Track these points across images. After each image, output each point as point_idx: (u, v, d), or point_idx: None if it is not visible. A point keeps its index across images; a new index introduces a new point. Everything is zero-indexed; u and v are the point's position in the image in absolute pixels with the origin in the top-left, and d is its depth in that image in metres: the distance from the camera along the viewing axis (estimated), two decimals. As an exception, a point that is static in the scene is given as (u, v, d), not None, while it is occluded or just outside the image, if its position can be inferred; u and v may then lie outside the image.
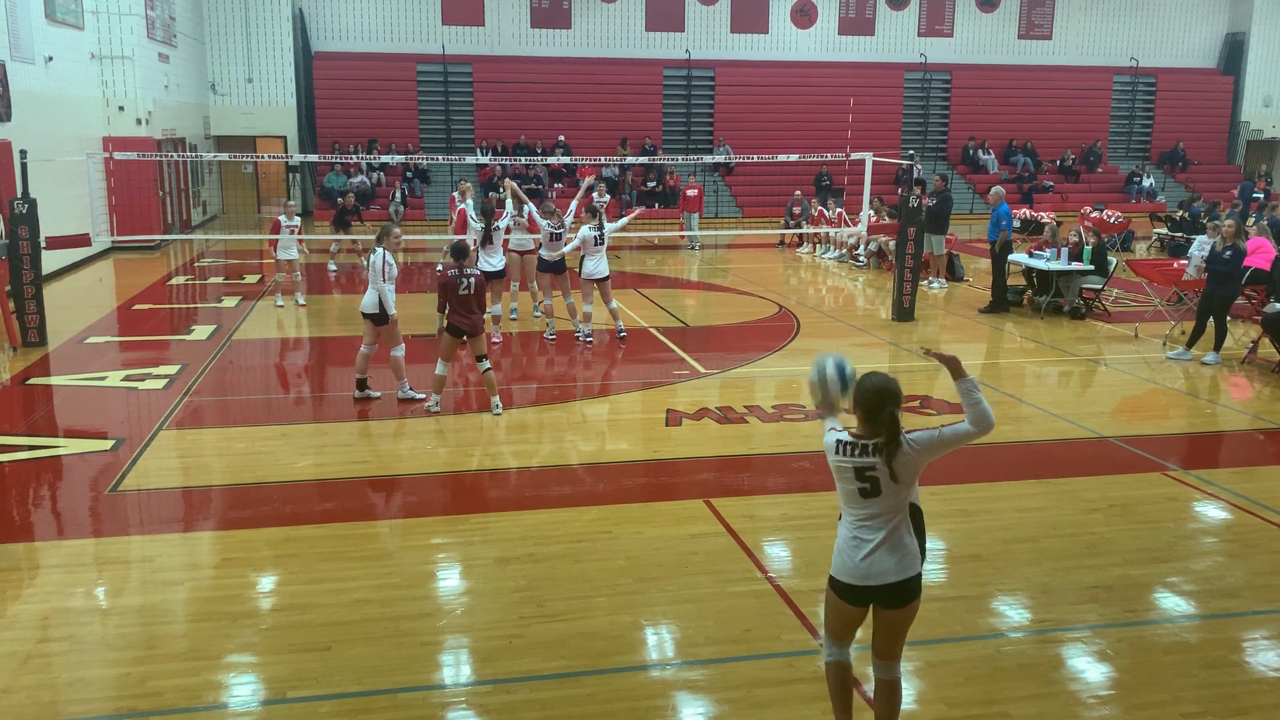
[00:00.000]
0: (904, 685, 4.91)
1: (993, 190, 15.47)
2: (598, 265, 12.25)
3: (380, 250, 9.59)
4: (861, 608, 4.26)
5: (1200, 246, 14.83)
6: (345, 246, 18.93)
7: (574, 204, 14.47)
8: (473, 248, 11.47)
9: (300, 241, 15.11)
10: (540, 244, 12.78)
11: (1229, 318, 14.13)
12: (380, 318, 9.67)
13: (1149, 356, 12.24)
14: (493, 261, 12.19)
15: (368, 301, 9.70)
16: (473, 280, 9.33)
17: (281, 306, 14.81)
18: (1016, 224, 18.38)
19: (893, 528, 4.19)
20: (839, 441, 4.10)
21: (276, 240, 14.85)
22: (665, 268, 20.43)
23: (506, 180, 15.16)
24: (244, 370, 11.67)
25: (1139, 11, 33.70)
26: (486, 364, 9.50)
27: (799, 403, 10.04)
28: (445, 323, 9.41)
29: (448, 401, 10.64)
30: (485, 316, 12.19)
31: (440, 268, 9.34)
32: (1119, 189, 31.54)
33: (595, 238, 12.20)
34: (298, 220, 15.29)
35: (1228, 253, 11.75)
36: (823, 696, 4.89)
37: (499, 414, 9.41)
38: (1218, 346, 11.76)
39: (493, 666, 5.18)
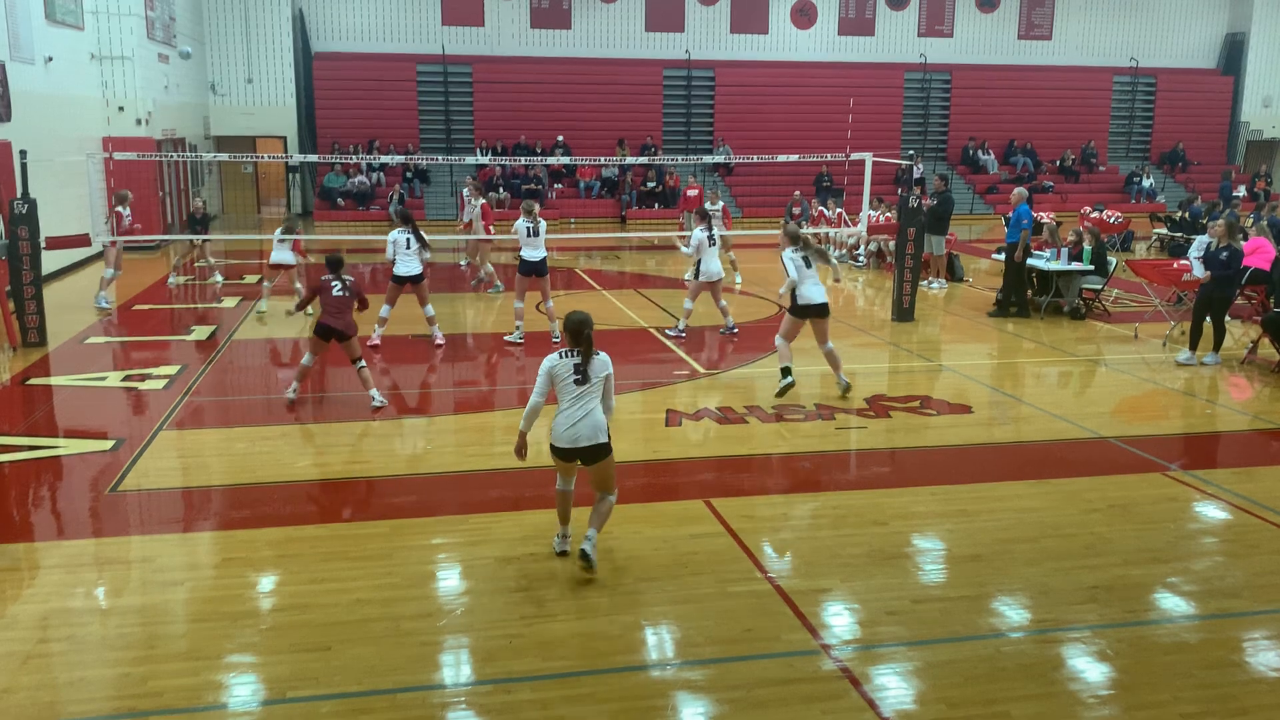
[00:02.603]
0: (904, 685, 5.06)
1: (1015, 191, 15.12)
2: (714, 265, 12.72)
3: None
4: (572, 462, 6.10)
5: (1199, 247, 14.82)
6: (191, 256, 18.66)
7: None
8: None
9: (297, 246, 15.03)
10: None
11: (1227, 317, 14.19)
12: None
13: (1149, 357, 12.24)
14: (413, 266, 12.21)
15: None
16: (349, 284, 9.59)
17: (263, 311, 14.64)
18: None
19: (593, 406, 6.03)
20: (560, 355, 6.03)
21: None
22: (665, 268, 20.42)
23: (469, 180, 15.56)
24: (244, 370, 11.67)
25: (1139, 11, 33.72)
26: (362, 363, 9.71)
27: (799, 403, 10.04)
28: (310, 316, 9.61)
29: (445, 403, 10.65)
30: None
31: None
32: (1119, 189, 31.56)
33: (709, 238, 12.65)
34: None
35: (1224, 253, 11.66)
36: (823, 696, 4.91)
37: (380, 404, 9.65)
38: (1217, 347, 11.73)
39: (493, 666, 5.18)
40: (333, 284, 9.56)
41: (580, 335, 5.96)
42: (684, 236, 14.62)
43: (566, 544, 6.33)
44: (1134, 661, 5.27)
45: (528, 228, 12.38)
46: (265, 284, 15.22)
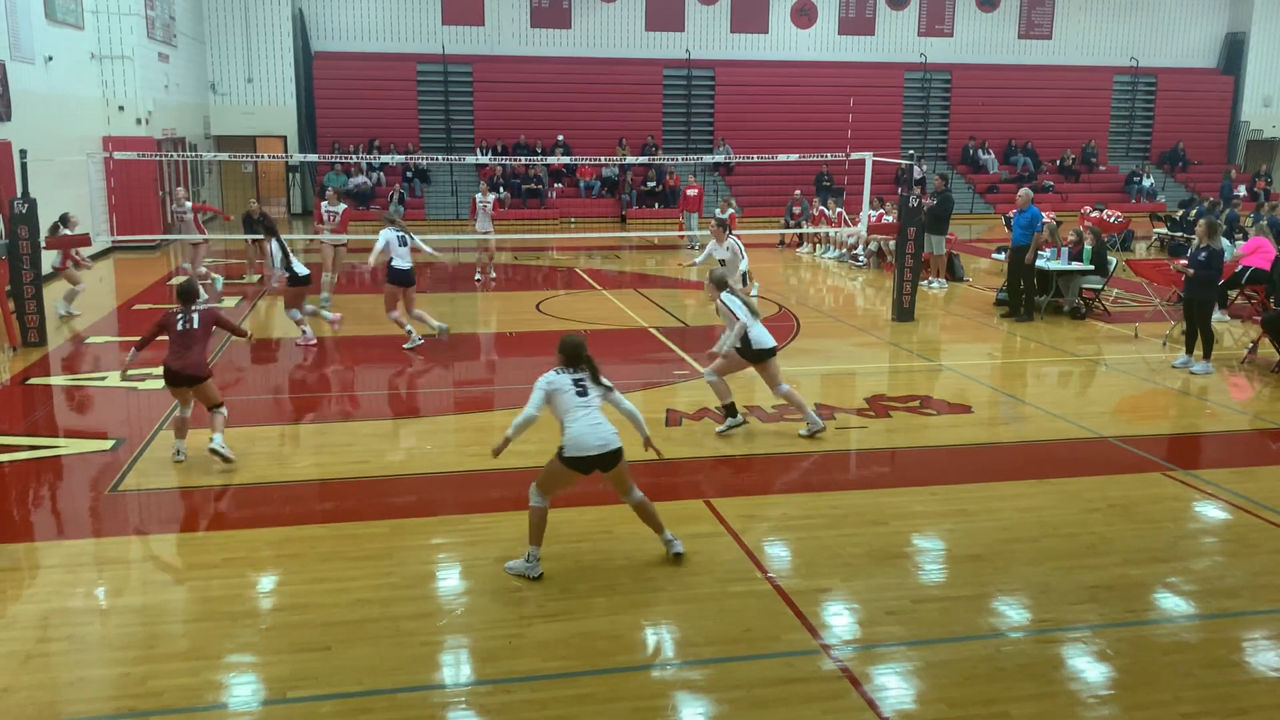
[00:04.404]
0: (904, 685, 5.07)
1: (1021, 192, 14.97)
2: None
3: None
4: (590, 473, 6.11)
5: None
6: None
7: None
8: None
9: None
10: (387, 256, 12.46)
11: (1227, 317, 14.18)
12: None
13: (1149, 356, 12.24)
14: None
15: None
16: (195, 315, 7.99)
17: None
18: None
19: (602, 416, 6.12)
20: (555, 372, 6.10)
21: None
22: (665, 268, 20.42)
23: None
24: (244, 370, 11.67)
25: (1139, 11, 33.71)
26: (221, 411, 8.08)
27: (799, 403, 10.03)
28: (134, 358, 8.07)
29: (445, 403, 10.65)
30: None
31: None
32: (1119, 189, 31.55)
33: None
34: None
35: (1203, 253, 11.23)
36: (823, 696, 4.91)
37: (220, 450, 7.88)
38: (1206, 354, 11.34)
39: (493, 666, 5.18)
40: (178, 319, 7.94)
41: (579, 357, 6.11)
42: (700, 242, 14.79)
43: (539, 566, 6.10)
44: (1134, 661, 5.27)
45: (398, 237, 12.29)
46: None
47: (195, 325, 7.96)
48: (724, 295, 8.90)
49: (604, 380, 6.16)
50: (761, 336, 8.85)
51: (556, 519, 6.97)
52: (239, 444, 8.68)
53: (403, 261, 12.21)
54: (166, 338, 7.98)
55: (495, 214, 18.08)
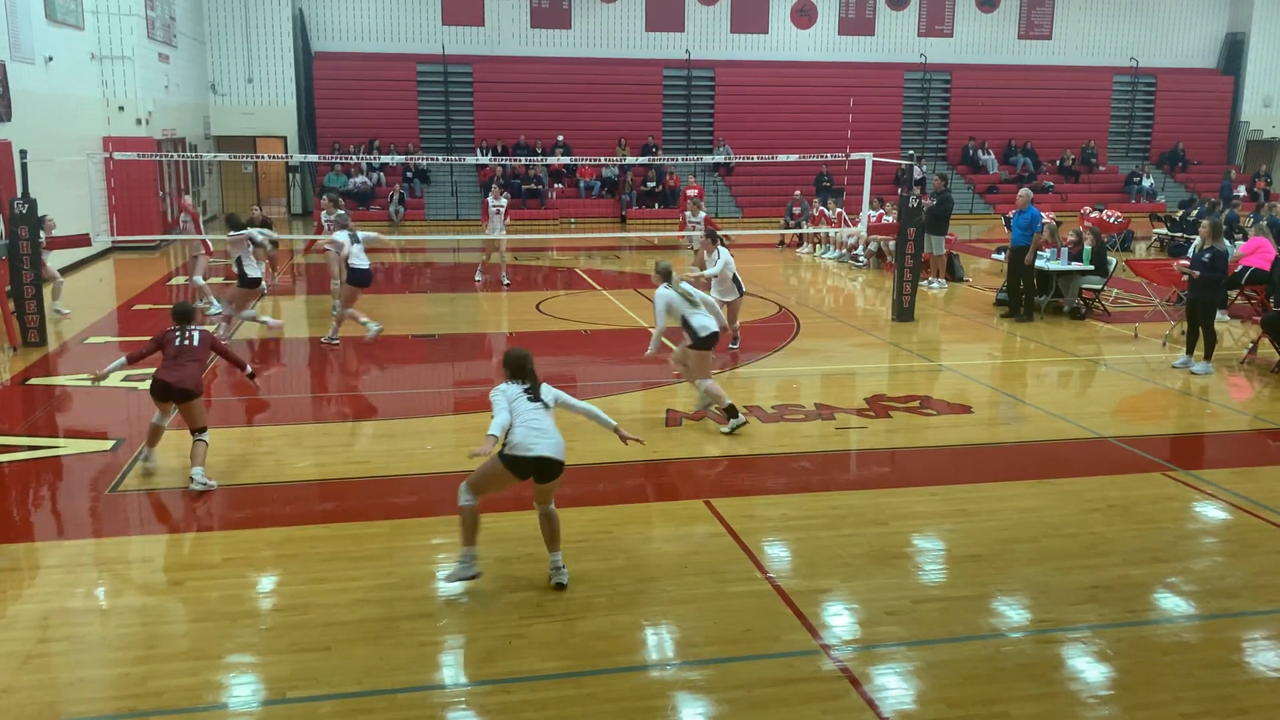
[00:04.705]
0: (904, 685, 5.06)
1: (1021, 192, 14.92)
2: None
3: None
4: (525, 477, 5.93)
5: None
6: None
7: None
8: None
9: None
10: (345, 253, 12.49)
11: (1227, 317, 14.18)
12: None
13: (1149, 357, 12.24)
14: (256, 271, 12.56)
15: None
16: (195, 333, 7.86)
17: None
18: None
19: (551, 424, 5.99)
20: (508, 384, 6.02)
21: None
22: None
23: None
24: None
25: (1139, 11, 33.71)
26: (203, 436, 7.71)
27: (799, 403, 10.04)
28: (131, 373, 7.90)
29: (445, 403, 10.65)
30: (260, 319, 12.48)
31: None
32: (1119, 189, 31.55)
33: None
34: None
35: (1207, 255, 11.23)
36: (823, 696, 4.91)
37: (204, 488, 7.52)
38: (1208, 355, 11.36)
39: (493, 666, 5.18)
40: (175, 334, 7.83)
41: (523, 370, 6.01)
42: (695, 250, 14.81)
43: (475, 566, 5.93)
44: (1134, 661, 5.27)
45: (349, 236, 12.41)
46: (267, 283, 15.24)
47: (195, 343, 7.82)
48: (659, 289, 9.14)
49: (545, 395, 6.00)
50: (708, 321, 9.08)
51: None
52: (239, 444, 8.69)
53: (360, 261, 12.26)
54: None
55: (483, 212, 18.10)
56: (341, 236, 12.46)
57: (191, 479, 7.55)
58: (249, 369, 8.28)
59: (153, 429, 7.91)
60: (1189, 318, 11.59)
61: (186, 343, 7.78)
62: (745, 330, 13.57)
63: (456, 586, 5.99)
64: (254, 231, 12.87)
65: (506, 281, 17.33)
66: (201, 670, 5.09)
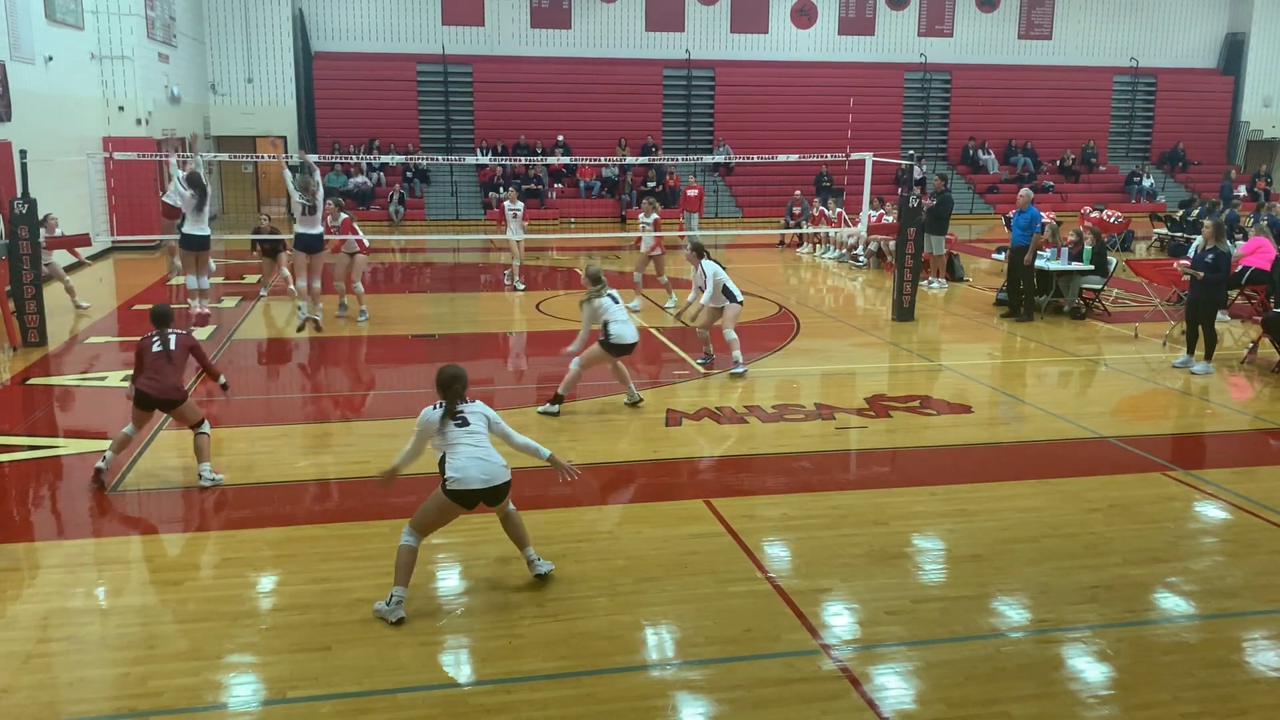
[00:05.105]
0: (904, 685, 5.06)
1: (1021, 192, 14.90)
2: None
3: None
4: (473, 507, 5.90)
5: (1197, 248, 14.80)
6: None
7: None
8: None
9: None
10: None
11: (1227, 317, 14.17)
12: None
13: (1149, 356, 12.24)
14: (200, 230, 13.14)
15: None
16: (172, 338, 7.66)
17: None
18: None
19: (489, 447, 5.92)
20: (433, 407, 5.91)
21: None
22: (665, 268, 20.37)
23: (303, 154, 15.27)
24: (244, 370, 11.67)
25: (1139, 11, 33.71)
26: (204, 428, 7.76)
27: (799, 403, 10.04)
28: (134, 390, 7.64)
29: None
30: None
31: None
32: (1119, 189, 31.55)
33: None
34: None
35: (1209, 255, 11.23)
36: (823, 696, 4.90)
37: (212, 483, 7.63)
38: (1208, 355, 11.38)
39: (493, 666, 5.18)
40: (153, 340, 7.63)
41: (450, 389, 5.85)
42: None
43: (402, 610, 5.60)
44: (1134, 661, 5.27)
45: (303, 205, 12.79)
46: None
47: (172, 348, 7.60)
48: (594, 294, 9.51)
49: (474, 421, 5.81)
50: (628, 331, 9.52)
51: (556, 519, 6.99)
52: (239, 444, 8.69)
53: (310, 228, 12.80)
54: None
55: (496, 215, 17.92)
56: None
57: (200, 475, 7.61)
58: (222, 380, 8.13)
59: (122, 439, 7.70)
60: (1189, 318, 11.58)
61: (163, 349, 7.58)
62: (745, 330, 13.58)
63: (457, 586, 5.98)
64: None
65: (510, 282, 17.19)
66: (201, 670, 5.09)
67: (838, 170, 28.06)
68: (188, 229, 13.27)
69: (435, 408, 5.87)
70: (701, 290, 11.17)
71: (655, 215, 16.16)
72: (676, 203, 26.22)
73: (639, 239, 16.26)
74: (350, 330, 13.43)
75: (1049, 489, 7.74)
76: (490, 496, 5.81)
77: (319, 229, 12.69)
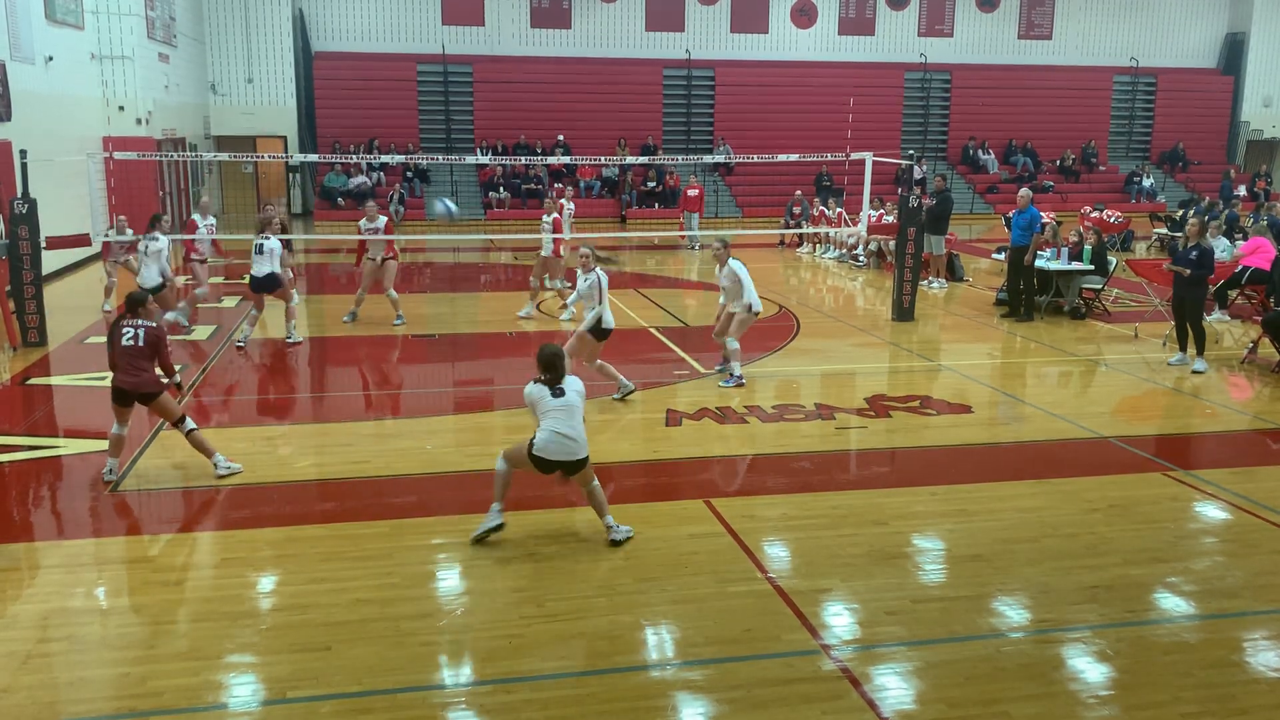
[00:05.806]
0: (904, 685, 5.07)
1: (1021, 192, 14.89)
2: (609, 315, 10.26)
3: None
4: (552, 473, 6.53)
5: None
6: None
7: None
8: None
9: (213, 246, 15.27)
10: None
11: (1226, 316, 14.18)
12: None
13: (1149, 356, 12.24)
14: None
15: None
16: (141, 332, 7.50)
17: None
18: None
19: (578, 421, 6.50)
20: (534, 381, 6.52)
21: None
22: (665, 268, 20.42)
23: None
24: (243, 370, 11.66)
25: (1139, 11, 33.71)
26: (190, 426, 7.73)
27: (799, 403, 10.04)
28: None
29: (445, 403, 10.65)
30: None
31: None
32: (1119, 189, 31.56)
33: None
34: (213, 221, 15.41)
35: (1193, 252, 11.28)
36: (823, 696, 4.90)
37: (228, 472, 7.76)
38: (1200, 350, 11.40)
39: (493, 666, 5.18)
40: (123, 329, 7.51)
41: (551, 365, 6.48)
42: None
43: (501, 517, 6.57)
44: (1134, 661, 5.27)
45: (258, 244, 12.28)
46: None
47: (141, 343, 7.48)
48: (596, 271, 10.22)
49: (570, 391, 6.44)
50: (610, 318, 9.96)
51: (557, 520, 6.99)
52: (239, 444, 8.68)
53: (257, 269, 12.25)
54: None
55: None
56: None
57: (215, 465, 7.75)
58: (177, 379, 8.10)
59: (115, 440, 7.70)
60: (1176, 315, 11.65)
61: (132, 342, 7.48)
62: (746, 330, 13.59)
63: (457, 586, 5.98)
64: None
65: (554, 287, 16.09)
66: (201, 670, 5.09)
67: (838, 170, 28.06)
68: (260, 271, 12.35)
69: (535, 381, 6.50)
70: (727, 290, 10.57)
71: (555, 215, 15.32)
72: (677, 203, 26.23)
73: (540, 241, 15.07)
74: (350, 330, 13.43)
75: (1049, 489, 7.74)
76: (566, 468, 6.46)
77: (269, 268, 12.18)
